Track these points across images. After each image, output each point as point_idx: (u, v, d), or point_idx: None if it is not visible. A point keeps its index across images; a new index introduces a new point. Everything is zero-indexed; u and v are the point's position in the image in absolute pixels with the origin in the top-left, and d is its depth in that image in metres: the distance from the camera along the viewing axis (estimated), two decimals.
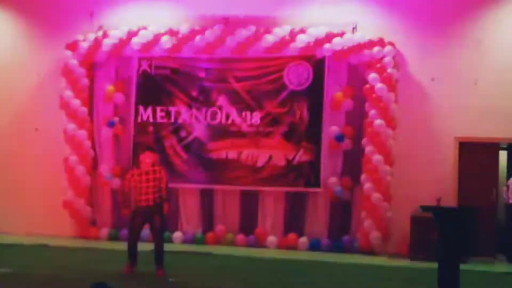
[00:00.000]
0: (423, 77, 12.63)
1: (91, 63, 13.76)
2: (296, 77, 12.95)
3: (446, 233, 7.02)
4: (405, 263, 11.47)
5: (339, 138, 12.72)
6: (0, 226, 14.00)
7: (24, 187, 13.93)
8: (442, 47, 12.58)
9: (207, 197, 13.37)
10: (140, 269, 9.43)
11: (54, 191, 13.52)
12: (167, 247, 12.31)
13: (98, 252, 11.64)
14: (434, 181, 12.20)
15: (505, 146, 13.13)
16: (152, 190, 9.20)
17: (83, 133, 13.47)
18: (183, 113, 13.35)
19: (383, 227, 12.20)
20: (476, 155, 12.40)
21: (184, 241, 13.08)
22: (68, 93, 13.45)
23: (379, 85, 12.27)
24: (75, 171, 13.36)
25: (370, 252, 12.24)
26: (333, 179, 12.71)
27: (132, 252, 9.32)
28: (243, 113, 13.14)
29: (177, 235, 13.15)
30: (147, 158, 9.27)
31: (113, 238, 13.16)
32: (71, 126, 13.41)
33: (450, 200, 11.94)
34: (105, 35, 13.53)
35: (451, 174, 12.37)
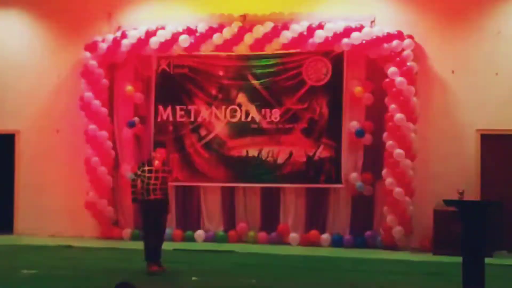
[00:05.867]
0: (443, 70, 12.52)
1: (111, 63, 13.82)
2: (315, 73, 12.91)
3: (469, 227, 6.95)
4: (428, 257, 11.40)
5: (360, 133, 12.67)
6: (23, 228, 14.17)
7: (47, 189, 14.04)
8: (461, 39, 12.48)
9: (228, 195, 13.38)
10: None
11: (76, 192, 13.62)
12: (189, 246, 12.45)
13: (121, 252, 11.70)
14: (456, 175, 12.10)
15: None
16: (160, 187, 9.46)
17: (104, 134, 13.54)
18: (202, 111, 13.37)
19: (405, 222, 12.13)
20: (498, 147, 12.29)
21: (206, 240, 13.10)
22: (88, 94, 13.52)
23: (399, 79, 12.20)
24: (96, 172, 13.43)
25: (393, 247, 12.19)
26: (354, 175, 12.66)
27: (156, 250, 9.37)
28: (263, 110, 13.13)
29: (199, 233, 13.18)
30: (159, 155, 9.60)
31: (135, 238, 13.21)
32: (92, 127, 13.48)
33: (472, 193, 11.85)
34: (123, 35, 13.58)
35: (473, 167, 12.26)
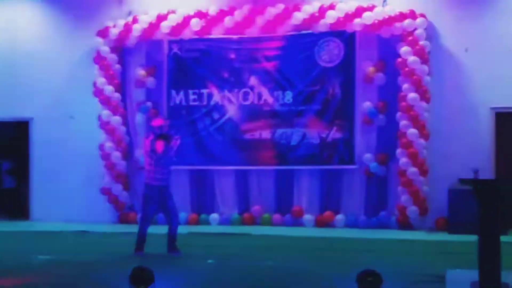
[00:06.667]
0: (457, 48, 12.41)
1: (122, 48, 13.83)
2: (327, 54, 12.86)
3: (485, 205, 6.91)
4: (443, 237, 11.39)
5: (373, 113, 12.62)
6: (39, 214, 14.27)
7: (62, 175, 14.11)
8: (474, 16, 12.36)
9: (242, 178, 13.40)
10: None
11: (91, 178, 13.68)
12: (204, 229, 12.50)
13: (136, 236, 11.74)
14: (470, 153, 12.02)
15: None
16: (163, 171, 9.52)
17: (117, 119, 13.58)
18: (215, 95, 13.37)
19: (420, 202, 12.11)
20: None
21: (221, 223, 13.15)
22: (101, 80, 13.55)
23: (411, 58, 12.12)
24: (111, 157, 13.50)
25: (408, 227, 12.18)
26: (368, 155, 12.63)
27: (145, 237, 9.60)
28: (275, 93, 13.10)
29: (214, 217, 13.22)
30: (158, 147, 9.52)
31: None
32: (105, 112, 13.53)
33: (487, 172, 11.77)
34: (134, 20, 13.57)
35: (488, 145, 12.20)
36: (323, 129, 12.83)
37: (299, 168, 13.08)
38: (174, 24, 13.36)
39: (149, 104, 13.68)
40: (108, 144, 13.50)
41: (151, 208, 9.61)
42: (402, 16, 12.32)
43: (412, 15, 12.31)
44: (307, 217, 12.89)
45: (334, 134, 12.78)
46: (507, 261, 7.15)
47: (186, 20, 13.35)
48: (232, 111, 13.30)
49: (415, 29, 12.24)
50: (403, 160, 12.12)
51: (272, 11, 12.95)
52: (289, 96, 13.02)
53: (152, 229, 9.77)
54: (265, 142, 13.12)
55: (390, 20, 12.36)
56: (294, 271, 8.33)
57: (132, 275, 6.86)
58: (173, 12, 13.46)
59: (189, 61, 13.51)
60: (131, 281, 6.83)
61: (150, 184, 9.56)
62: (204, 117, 13.42)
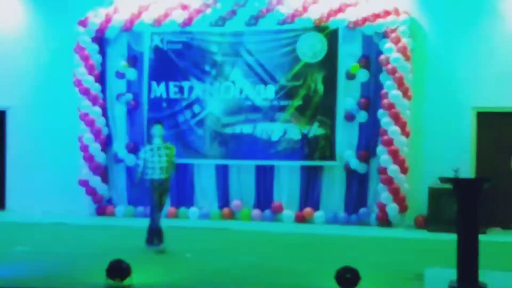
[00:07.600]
0: (439, 47, 12.45)
1: (103, 39, 13.70)
2: (310, 49, 12.82)
3: (465, 204, 6.93)
4: (422, 234, 11.42)
5: (354, 110, 12.61)
6: (16, 204, 14.12)
7: (39, 165, 13.98)
8: (458, 15, 12.39)
9: (222, 173, 13.34)
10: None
11: (69, 170, 13.57)
12: (183, 222, 12.46)
13: (114, 229, 11.67)
14: (451, 152, 12.08)
15: None
16: (163, 165, 9.45)
17: (96, 110, 13.45)
18: (196, 88, 13.29)
19: (400, 199, 12.13)
20: (494, 125, 12.26)
21: (200, 217, 13.10)
22: (81, 70, 13.42)
23: (394, 55, 12.12)
24: (89, 149, 13.37)
25: (387, 224, 12.21)
26: (349, 152, 12.63)
27: (157, 227, 9.42)
28: (257, 87, 13.05)
29: (193, 210, 13.16)
30: (157, 131, 9.50)
31: (129, 215, 13.20)
32: (85, 103, 13.39)
33: (468, 171, 11.83)
34: (116, 10, 13.44)
35: (469, 145, 12.24)
36: (305, 125, 12.81)
37: (279, 164, 13.05)
38: (156, 15, 13.26)
39: (129, 95, 13.57)
40: (87, 136, 13.37)
41: (156, 196, 9.50)
42: (385, 13, 12.32)
43: (396, 12, 12.31)
44: (287, 213, 12.86)
45: (316, 130, 12.76)
46: (486, 259, 7.18)
47: (168, 12, 13.26)
48: (213, 105, 13.23)
49: (399, 26, 12.24)
50: (384, 157, 12.13)
51: (256, 4, 12.89)
52: (271, 91, 12.98)
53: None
54: (246, 136, 13.07)
55: (373, 17, 12.34)
56: (272, 266, 8.30)
57: (109, 268, 6.82)
58: (155, 3, 13.35)
59: (170, 53, 13.42)
60: (108, 274, 6.79)
61: (151, 179, 9.47)
62: (184, 110, 13.34)
